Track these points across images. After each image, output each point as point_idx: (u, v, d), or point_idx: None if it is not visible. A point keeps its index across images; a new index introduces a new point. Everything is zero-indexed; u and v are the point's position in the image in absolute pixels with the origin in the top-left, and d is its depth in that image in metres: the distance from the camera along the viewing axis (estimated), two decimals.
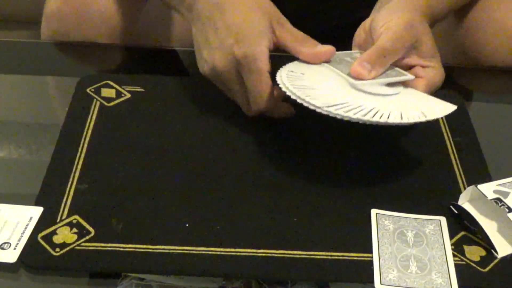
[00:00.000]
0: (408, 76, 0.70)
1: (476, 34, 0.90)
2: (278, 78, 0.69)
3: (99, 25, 0.89)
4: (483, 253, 0.62)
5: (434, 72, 0.72)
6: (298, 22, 0.74)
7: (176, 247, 0.61)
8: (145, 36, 0.93)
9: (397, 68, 0.71)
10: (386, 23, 0.71)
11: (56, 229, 0.62)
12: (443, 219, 0.65)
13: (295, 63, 0.72)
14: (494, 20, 0.89)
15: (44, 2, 0.93)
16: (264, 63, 0.69)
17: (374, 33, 0.71)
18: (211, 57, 0.71)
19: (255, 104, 0.71)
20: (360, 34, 0.75)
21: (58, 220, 0.63)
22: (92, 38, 0.89)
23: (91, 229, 0.63)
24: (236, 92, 0.73)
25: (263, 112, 0.73)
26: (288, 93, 0.66)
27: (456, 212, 0.66)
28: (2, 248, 0.60)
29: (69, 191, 0.66)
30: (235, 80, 0.71)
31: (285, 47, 0.72)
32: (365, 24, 0.74)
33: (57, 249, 0.60)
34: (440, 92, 0.82)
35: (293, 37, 0.72)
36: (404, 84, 0.71)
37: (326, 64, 0.71)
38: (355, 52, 0.74)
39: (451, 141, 0.75)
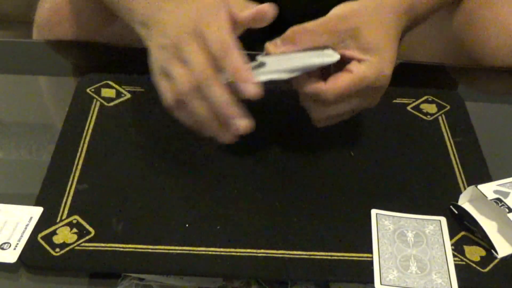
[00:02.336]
0: (332, 58, 0.67)
1: (477, 33, 0.90)
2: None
3: (89, 34, 0.89)
4: (483, 253, 0.63)
5: (367, 67, 0.68)
6: (298, 20, 0.74)
7: (176, 247, 0.61)
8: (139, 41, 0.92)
9: (328, 51, 0.68)
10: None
11: (56, 229, 0.62)
12: (443, 219, 0.65)
13: None
14: (495, 18, 0.89)
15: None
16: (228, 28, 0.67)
17: None
18: (170, 39, 0.67)
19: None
20: None
21: (58, 220, 0.63)
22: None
23: (91, 229, 0.63)
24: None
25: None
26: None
27: (456, 212, 0.66)
28: (2, 248, 0.60)
29: (69, 191, 0.66)
30: (201, 48, 0.66)
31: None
32: None
33: (57, 249, 0.61)
34: (440, 92, 0.82)
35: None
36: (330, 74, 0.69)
37: None
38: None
39: (451, 141, 0.75)
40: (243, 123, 0.65)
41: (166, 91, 0.67)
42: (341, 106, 0.69)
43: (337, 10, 0.69)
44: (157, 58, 0.68)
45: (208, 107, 0.65)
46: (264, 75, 0.66)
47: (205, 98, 0.65)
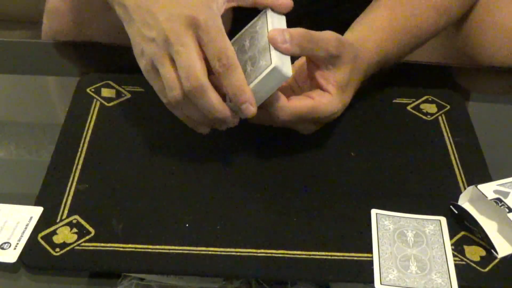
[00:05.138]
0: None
1: (477, 35, 0.90)
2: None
3: (98, 23, 0.89)
4: (483, 253, 0.63)
5: (328, 101, 0.69)
6: (297, 19, 0.74)
7: (176, 247, 0.61)
8: None
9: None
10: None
11: (56, 229, 0.62)
12: (443, 219, 0.65)
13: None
14: (495, 20, 0.89)
15: (44, 1, 0.93)
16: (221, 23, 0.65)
17: None
18: (158, 31, 0.64)
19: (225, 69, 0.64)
20: None
21: (58, 220, 0.63)
22: (92, 35, 0.89)
23: (91, 229, 0.63)
24: (189, 59, 0.64)
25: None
26: None
27: (456, 212, 0.66)
28: (2, 248, 0.60)
29: (69, 191, 0.66)
30: (192, 45, 0.64)
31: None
32: None
33: (57, 249, 0.61)
34: (440, 91, 0.82)
35: None
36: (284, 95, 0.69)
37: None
38: None
39: (451, 141, 0.75)
40: (236, 121, 0.67)
41: (159, 91, 0.67)
42: (285, 123, 0.70)
43: (334, 34, 0.69)
44: (146, 51, 0.66)
45: (201, 112, 0.66)
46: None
47: (199, 104, 0.65)
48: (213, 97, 0.64)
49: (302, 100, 0.69)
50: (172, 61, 0.64)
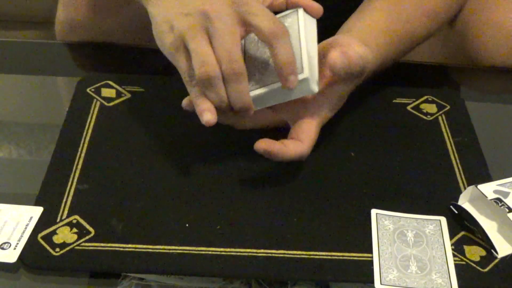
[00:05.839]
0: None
1: (476, 35, 0.90)
2: None
3: (115, 16, 0.88)
4: (483, 253, 0.63)
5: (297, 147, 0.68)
6: None
7: (176, 247, 0.61)
8: (139, 40, 0.92)
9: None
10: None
11: (56, 229, 0.63)
12: (443, 219, 0.65)
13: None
14: (493, 21, 0.90)
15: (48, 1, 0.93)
16: None
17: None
18: (195, 6, 0.62)
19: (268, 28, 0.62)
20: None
21: (58, 220, 0.63)
22: (106, 28, 0.89)
23: (91, 229, 0.63)
24: (228, 38, 0.62)
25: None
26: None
27: (456, 212, 0.66)
28: (2, 248, 0.60)
29: (69, 191, 0.66)
30: (236, 24, 0.62)
31: None
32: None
33: (57, 249, 0.61)
34: (440, 91, 0.82)
35: None
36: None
37: None
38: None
39: (451, 141, 0.75)
40: (252, 112, 0.65)
41: (185, 70, 0.64)
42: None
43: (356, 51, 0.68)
44: (176, 26, 0.62)
45: (226, 96, 0.63)
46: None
47: (233, 88, 0.63)
48: (247, 86, 0.63)
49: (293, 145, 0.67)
50: (208, 36, 0.62)
